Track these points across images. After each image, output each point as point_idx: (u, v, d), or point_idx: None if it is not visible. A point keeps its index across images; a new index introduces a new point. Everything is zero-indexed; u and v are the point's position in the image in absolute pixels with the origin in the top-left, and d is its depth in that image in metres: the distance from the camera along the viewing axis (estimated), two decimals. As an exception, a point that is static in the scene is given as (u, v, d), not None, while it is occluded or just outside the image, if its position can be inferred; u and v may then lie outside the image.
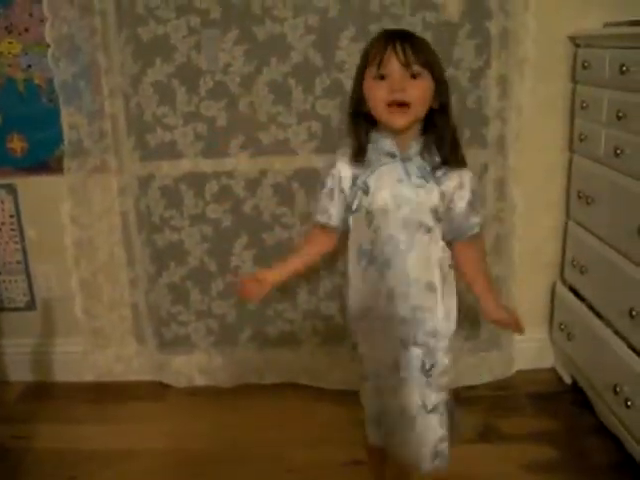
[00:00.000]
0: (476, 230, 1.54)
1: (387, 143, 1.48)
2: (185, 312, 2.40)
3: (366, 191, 1.49)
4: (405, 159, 1.48)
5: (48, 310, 2.45)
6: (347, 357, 2.14)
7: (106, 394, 2.43)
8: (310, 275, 2.31)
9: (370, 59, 1.45)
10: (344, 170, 1.53)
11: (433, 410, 1.53)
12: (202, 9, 2.13)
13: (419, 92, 1.43)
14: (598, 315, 2.01)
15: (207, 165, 2.28)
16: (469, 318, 2.22)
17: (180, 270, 2.37)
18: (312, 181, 2.15)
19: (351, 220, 1.54)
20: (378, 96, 1.44)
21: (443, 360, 1.53)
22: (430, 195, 1.47)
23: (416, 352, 1.51)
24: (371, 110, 1.46)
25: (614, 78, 1.86)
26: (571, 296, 2.20)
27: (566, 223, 2.28)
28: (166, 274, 2.37)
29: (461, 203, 1.50)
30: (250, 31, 2.14)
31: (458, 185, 1.49)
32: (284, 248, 2.27)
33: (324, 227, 1.59)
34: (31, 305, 2.46)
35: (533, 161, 2.23)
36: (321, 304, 2.37)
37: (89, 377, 2.49)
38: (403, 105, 1.41)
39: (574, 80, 2.17)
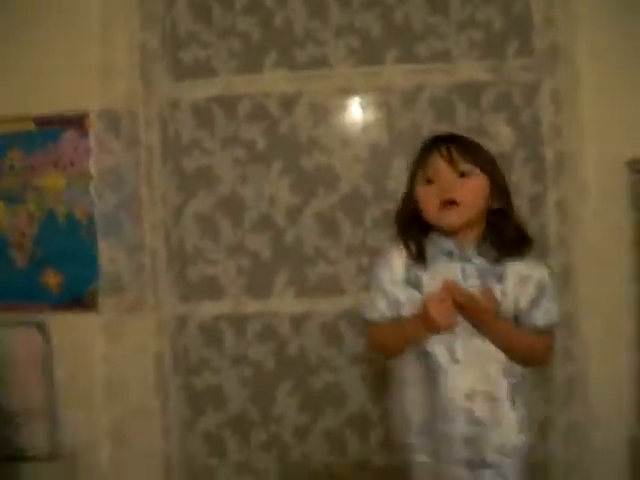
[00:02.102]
0: (543, 326, 1.47)
1: (446, 242, 1.47)
2: (222, 465, 2.24)
3: (418, 286, 1.46)
4: (464, 259, 1.46)
5: (73, 461, 2.30)
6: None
7: None
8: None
9: (417, 163, 1.49)
10: (397, 262, 1.51)
11: None
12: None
13: (469, 190, 1.43)
14: None
15: (250, 304, 2.22)
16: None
17: (218, 417, 2.24)
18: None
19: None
20: (428, 199, 1.45)
21: None
22: (491, 287, 1.44)
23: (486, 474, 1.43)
24: (423, 214, 1.47)
25: None
26: None
27: None
28: (202, 421, 2.25)
29: (525, 297, 1.45)
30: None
31: (520, 280, 1.45)
32: (331, 393, 2.17)
33: (377, 324, 1.54)
34: (54, 455, 2.32)
35: (603, 293, 2.09)
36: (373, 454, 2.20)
37: (111, 539, 2.31)
38: (453, 204, 1.42)
39: (637, 207, 2.06)
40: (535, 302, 1.44)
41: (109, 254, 2.19)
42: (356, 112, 2.17)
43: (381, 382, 2.14)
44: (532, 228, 2.02)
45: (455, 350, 1.42)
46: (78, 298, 2.25)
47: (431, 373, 1.43)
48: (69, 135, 2.21)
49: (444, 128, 2.03)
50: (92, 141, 2.18)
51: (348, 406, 2.19)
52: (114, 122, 2.14)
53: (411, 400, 1.48)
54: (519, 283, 1.43)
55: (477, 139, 1.51)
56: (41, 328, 2.27)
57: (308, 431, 2.20)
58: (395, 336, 1.51)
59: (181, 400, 2.24)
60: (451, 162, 1.42)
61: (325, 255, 2.16)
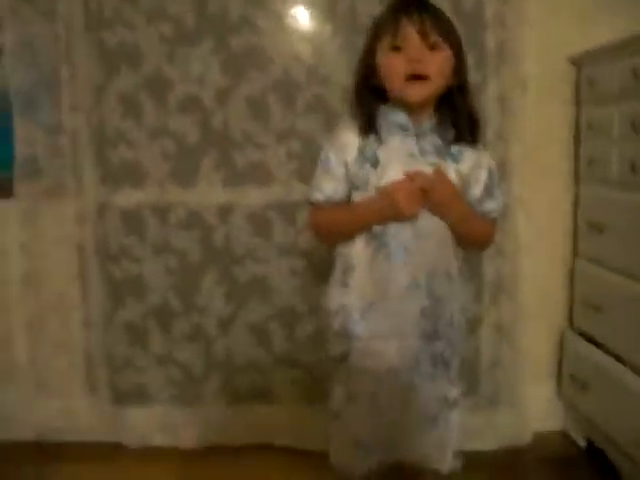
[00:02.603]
0: (492, 216, 1.48)
1: (400, 116, 1.41)
2: (144, 356, 2.20)
3: (374, 164, 1.40)
4: (419, 134, 1.41)
5: None
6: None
7: (48, 455, 2.17)
8: (286, 315, 2.14)
9: (384, 29, 1.40)
10: (348, 138, 1.44)
11: (453, 404, 1.48)
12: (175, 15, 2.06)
13: (438, 64, 1.38)
14: (618, 359, 1.87)
15: (174, 190, 2.14)
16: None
17: (139, 308, 2.19)
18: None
19: (356, 198, 1.45)
20: (394, 68, 1.38)
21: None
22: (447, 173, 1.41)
23: (439, 345, 1.45)
24: (385, 83, 1.41)
25: (626, 89, 1.81)
26: (583, 342, 2.03)
27: (573, 261, 2.17)
28: (123, 312, 2.19)
29: (476, 185, 1.44)
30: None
31: (474, 165, 1.43)
32: (259, 285, 2.13)
33: (322, 207, 1.48)
34: None
35: (537, 190, 2.11)
36: (300, 350, 2.18)
37: (29, 434, 2.22)
38: (421, 77, 1.36)
39: (577, 103, 2.13)
40: (487, 190, 1.44)
41: (25, 135, 2.10)
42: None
43: (311, 275, 2.13)
44: None
45: (414, 230, 1.38)
46: (-6, 183, 2.18)
47: (384, 254, 1.39)
48: None
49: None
50: (5, 10, 2.04)
51: (275, 299, 2.16)
52: None
53: (357, 284, 1.43)
54: (472, 168, 1.42)
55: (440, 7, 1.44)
56: None
57: (232, 323, 2.17)
58: (347, 220, 1.45)
59: (102, 290, 2.17)
60: (423, 32, 1.35)
61: (254, 140, 2.09)
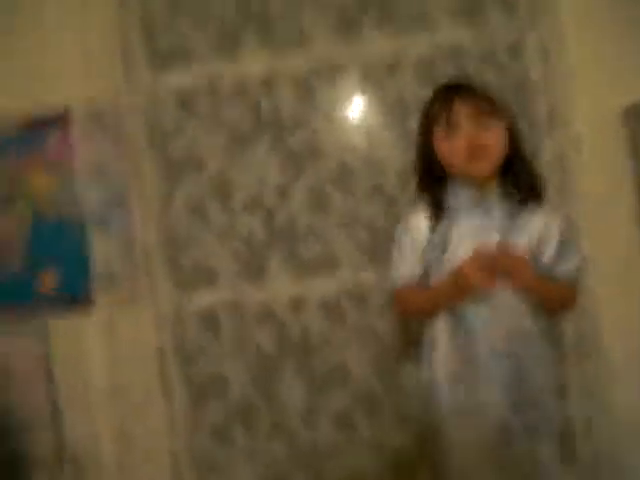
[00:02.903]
0: (568, 278, 1.50)
1: (465, 193, 1.48)
2: (229, 456, 2.21)
3: (445, 243, 1.47)
4: (485, 207, 1.47)
5: (77, 464, 2.28)
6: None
7: None
8: (368, 400, 2.14)
9: (436, 115, 1.48)
10: (419, 222, 1.51)
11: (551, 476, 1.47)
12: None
13: (494, 139, 1.44)
14: None
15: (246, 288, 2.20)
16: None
17: (221, 406, 2.21)
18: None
19: (433, 277, 1.51)
20: (453, 152, 1.45)
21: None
22: (517, 241, 1.45)
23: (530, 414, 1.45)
24: (447, 166, 1.48)
25: None
26: None
27: None
28: (206, 412, 2.22)
29: (548, 249, 1.47)
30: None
31: (544, 229, 1.47)
32: (338, 373, 2.15)
33: (402, 289, 1.55)
34: (60, 460, 2.28)
35: (607, 246, 2.05)
36: (385, 434, 2.14)
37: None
38: (482, 153, 1.43)
39: (636, 154, 2.07)
40: (560, 252, 1.47)
41: (101, 250, 2.19)
42: (337, 85, 2.15)
43: (390, 357, 2.12)
44: None
45: (489, 302, 1.42)
46: (74, 297, 2.24)
47: (464, 328, 1.44)
48: (53, 134, 2.22)
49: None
50: (76, 138, 2.19)
51: (355, 385, 2.15)
52: (97, 117, 2.17)
53: (441, 359, 1.48)
54: (542, 232, 1.46)
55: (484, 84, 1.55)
56: (39, 330, 2.26)
57: (315, 414, 2.16)
58: (425, 301, 1.52)
59: (183, 392, 2.21)
60: (474, 112, 1.43)
61: (318, 231, 2.13)
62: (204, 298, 2.20)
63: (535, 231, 1.46)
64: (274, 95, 2.16)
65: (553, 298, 1.51)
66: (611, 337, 2.06)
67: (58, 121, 2.20)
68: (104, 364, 2.21)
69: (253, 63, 2.17)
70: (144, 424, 2.22)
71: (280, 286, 2.17)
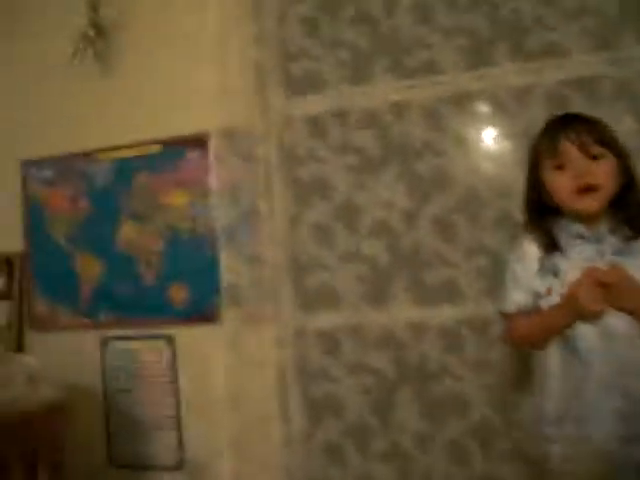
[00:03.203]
0: None
1: (576, 227, 1.46)
2: (342, 475, 2.25)
3: (556, 274, 1.45)
4: (597, 240, 1.45)
5: (196, 470, 2.41)
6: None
7: None
8: (483, 430, 2.11)
9: (544, 149, 1.48)
10: (530, 250, 1.51)
11: None
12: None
13: (604, 173, 1.42)
14: None
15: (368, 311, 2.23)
16: None
17: (337, 426, 2.25)
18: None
19: (543, 306, 1.49)
20: (561, 186, 1.44)
21: None
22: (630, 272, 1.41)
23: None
24: (556, 201, 1.47)
25: None
26: None
27: None
28: (321, 431, 2.27)
29: None
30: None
31: None
32: (454, 401, 2.13)
33: (513, 317, 1.56)
34: (180, 465, 2.43)
35: None
36: (499, 467, 2.11)
37: None
38: (590, 190, 1.41)
39: None
40: None
41: (230, 267, 2.29)
42: (468, 113, 2.17)
43: (506, 389, 2.09)
44: None
45: (603, 329, 1.40)
46: (202, 311, 2.36)
47: (575, 358, 1.42)
48: (191, 155, 2.37)
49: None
50: (212, 159, 2.32)
51: (471, 415, 2.14)
52: (232, 139, 2.28)
53: (553, 390, 1.47)
54: None
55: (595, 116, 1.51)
56: (168, 341, 2.41)
57: (430, 440, 2.17)
58: (538, 327, 1.51)
59: (301, 410, 2.27)
60: (582, 146, 1.42)
61: (443, 259, 2.15)
62: (326, 319, 2.26)
63: None
64: (403, 122, 2.20)
65: None
66: None
67: (196, 143, 2.35)
68: (226, 377, 2.29)
69: (384, 90, 2.22)
70: (261, 437, 2.29)
71: (401, 311, 2.19)
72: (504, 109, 2.15)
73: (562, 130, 1.46)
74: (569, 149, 1.43)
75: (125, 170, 2.47)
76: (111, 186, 2.49)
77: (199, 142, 2.35)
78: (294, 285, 2.28)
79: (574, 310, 1.42)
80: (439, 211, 2.16)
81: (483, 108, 2.17)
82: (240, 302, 2.29)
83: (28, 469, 1.65)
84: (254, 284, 2.28)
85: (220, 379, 2.31)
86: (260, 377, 2.29)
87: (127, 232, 2.46)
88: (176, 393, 2.41)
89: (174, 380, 2.41)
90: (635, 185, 1.48)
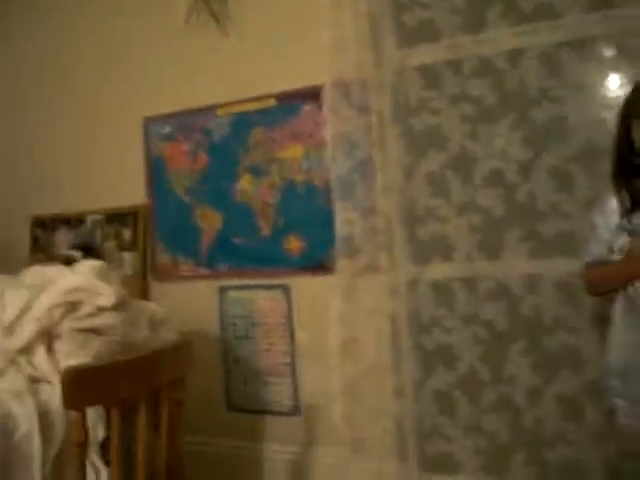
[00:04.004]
0: None
1: None
2: (451, 426, 2.28)
3: (632, 233, 1.45)
4: None
5: (311, 416, 2.52)
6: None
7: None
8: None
9: (635, 109, 1.46)
10: (612, 206, 1.52)
11: None
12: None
13: None
14: None
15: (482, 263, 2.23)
16: None
17: (448, 376, 2.28)
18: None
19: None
20: None
21: None
22: None
23: None
24: None
25: None
26: None
27: None
28: (432, 380, 2.30)
29: None
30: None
31: None
32: (569, 356, 2.11)
33: (591, 267, 1.58)
34: (295, 410, 2.55)
35: None
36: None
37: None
38: None
39: None
40: None
41: (345, 218, 2.34)
42: (589, 59, 2.09)
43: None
44: None
45: None
46: (317, 261, 2.45)
47: (637, 315, 1.43)
48: (306, 108, 2.44)
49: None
50: (326, 111, 2.36)
51: (585, 370, 2.11)
52: (346, 91, 2.32)
53: (617, 342, 1.49)
54: None
55: None
56: (284, 290, 2.52)
57: (541, 395, 2.17)
58: (605, 277, 1.56)
59: (413, 359, 2.32)
60: None
61: (559, 211, 2.12)
62: (439, 270, 2.28)
63: None
64: (519, 70, 2.16)
65: None
66: None
67: (310, 96, 2.41)
68: (340, 325, 2.34)
69: (498, 37, 2.19)
70: (373, 385, 2.34)
71: (516, 263, 2.18)
72: (628, 54, 2.06)
73: None
74: None
75: (242, 125, 2.56)
76: (229, 140, 2.59)
77: (313, 95, 2.41)
78: (408, 236, 2.31)
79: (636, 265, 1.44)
80: (556, 161, 2.12)
81: (606, 53, 2.09)
82: (354, 253, 2.33)
83: (152, 408, 1.76)
84: (368, 235, 2.32)
85: (335, 328, 2.37)
86: (373, 327, 2.35)
87: (244, 185, 2.56)
88: (292, 341, 2.52)
89: (290, 329, 2.51)
90: None
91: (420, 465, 2.34)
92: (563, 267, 2.12)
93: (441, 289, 2.28)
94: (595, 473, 2.11)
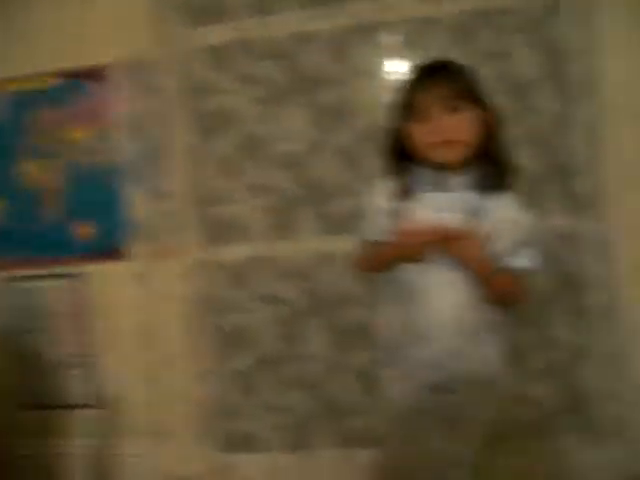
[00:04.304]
0: (519, 267, 1.43)
1: (431, 176, 1.46)
2: (252, 405, 2.29)
3: (404, 217, 1.45)
4: (448, 191, 1.44)
5: (111, 406, 2.39)
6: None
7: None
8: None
9: (406, 99, 1.45)
10: (384, 191, 1.51)
11: None
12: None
13: (463, 126, 1.41)
14: None
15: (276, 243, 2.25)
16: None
17: (247, 357, 2.28)
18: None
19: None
20: (420, 137, 1.43)
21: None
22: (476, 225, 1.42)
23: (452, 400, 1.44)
24: (416, 150, 1.46)
25: None
26: None
27: None
28: (231, 362, 2.29)
29: (504, 240, 1.41)
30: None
31: (505, 220, 1.42)
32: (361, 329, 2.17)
33: (363, 248, 1.58)
34: (95, 402, 2.41)
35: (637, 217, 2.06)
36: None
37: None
38: (449, 140, 1.41)
39: None
40: (514, 245, 1.42)
41: (137, 201, 2.27)
42: (372, 44, 2.15)
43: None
44: (558, 150, 2.02)
45: (429, 277, 1.41)
46: (110, 247, 2.33)
47: (405, 297, 1.44)
48: (93, 87, 2.31)
49: (462, 54, 2.03)
50: (113, 91, 2.25)
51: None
52: (134, 71, 2.23)
53: (384, 317, 1.51)
54: (503, 222, 1.41)
55: (461, 64, 1.49)
56: (77, 279, 2.37)
57: (339, 369, 2.20)
58: (375, 259, 1.53)
59: (212, 342, 2.29)
60: (443, 98, 1.39)
61: (348, 190, 2.15)
62: (235, 252, 2.26)
63: (496, 220, 1.41)
64: (308, 53, 2.18)
65: (498, 290, 1.43)
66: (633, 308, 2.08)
67: (98, 75, 2.28)
68: (136, 312, 2.29)
69: (288, 20, 2.19)
70: (173, 370, 2.29)
71: (309, 242, 2.21)
72: (409, 41, 2.15)
73: (425, 81, 1.43)
74: (430, 101, 1.40)
75: (24, 105, 2.37)
76: (9, 121, 2.38)
77: (101, 74, 2.28)
78: (201, 218, 2.28)
79: (399, 249, 1.43)
80: (343, 142, 2.17)
81: (387, 39, 2.17)
82: (148, 237, 2.28)
83: None
84: (161, 218, 2.27)
85: (130, 313, 2.31)
86: (170, 311, 2.30)
87: (29, 169, 2.38)
88: (87, 331, 2.39)
89: (84, 318, 2.38)
90: (497, 139, 1.47)
91: (224, 446, 2.32)
92: (352, 244, 2.22)
93: (237, 270, 2.27)
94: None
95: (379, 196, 1.52)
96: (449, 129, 1.39)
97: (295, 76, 2.20)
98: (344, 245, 2.14)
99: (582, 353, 2.12)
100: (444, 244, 1.39)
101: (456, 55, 2.07)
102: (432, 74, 1.44)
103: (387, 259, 1.49)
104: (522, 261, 1.43)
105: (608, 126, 2.05)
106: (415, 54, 2.13)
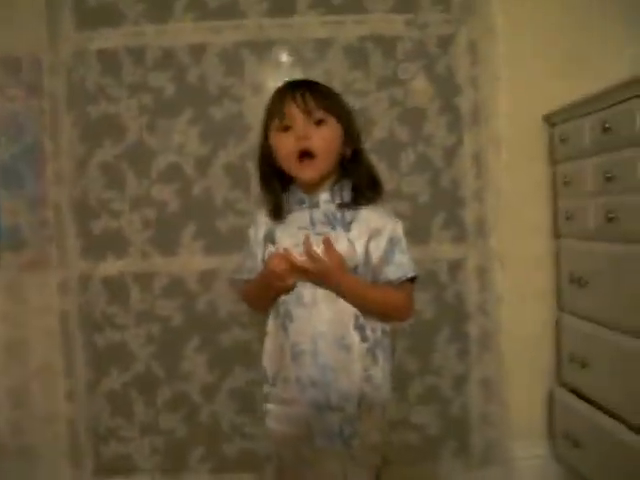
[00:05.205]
0: (392, 278, 1.41)
1: (298, 193, 1.47)
2: (127, 426, 2.15)
3: (272, 241, 1.44)
4: (312, 206, 1.45)
5: None
6: None
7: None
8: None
9: (272, 111, 1.46)
10: (262, 219, 1.50)
11: None
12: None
13: (324, 138, 1.42)
14: (610, 415, 1.77)
15: (157, 259, 2.13)
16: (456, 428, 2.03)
17: (123, 376, 2.14)
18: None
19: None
20: (285, 147, 1.42)
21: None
22: (341, 241, 1.39)
23: (332, 417, 1.38)
24: (281, 164, 1.45)
25: (597, 142, 1.82)
26: (573, 398, 1.98)
27: (558, 316, 2.11)
28: (106, 381, 2.15)
29: (375, 252, 1.41)
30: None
31: (373, 231, 1.42)
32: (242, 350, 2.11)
33: (245, 283, 1.55)
34: None
35: (517, 247, 2.09)
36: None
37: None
38: (309, 155, 1.41)
39: (552, 159, 2.13)
40: (387, 256, 1.42)
41: (9, 207, 2.13)
42: (267, 61, 2.10)
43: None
44: (447, 179, 2.01)
45: (303, 296, 1.39)
46: (-24, 255, 2.16)
47: (283, 321, 1.41)
48: None
49: (358, 77, 2.06)
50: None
51: (256, 365, 2.04)
52: (15, 69, 2.11)
53: (268, 350, 1.46)
54: (370, 235, 1.41)
55: (330, 86, 1.51)
56: None
57: (216, 390, 2.13)
58: (254, 293, 1.51)
59: (85, 359, 2.14)
60: (306, 110, 1.40)
61: (235, 207, 2.09)
62: (113, 266, 2.13)
63: (359, 233, 1.41)
64: (201, 65, 2.10)
65: (378, 304, 1.41)
66: (512, 335, 2.08)
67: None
68: (5, 325, 2.12)
69: (183, 30, 2.09)
70: (43, 388, 2.15)
71: (191, 259, 2.11)
72: (302, 60, 2.11)
73: (290, 93, 1.43)
74: (294, 112, 1.40)
75: None
76: None
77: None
78: (79, 229, 2.13)
79: (267, 280, 1.41)
80: (232, 158, 2.09)
81: (283, 57, 2.13)
82: (21, 246, 2.12)
83: None
84: (36, 227, 2.13)
85: (-2, 328, 2.25)
86: (42, 326, 2.16)
87: None
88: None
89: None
90: (360, 154, 1.48)
91: (96, 469, 2.17)
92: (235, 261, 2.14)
93: (114, 285, 2.15)
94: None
95: (257, 226, 1.49)
96: (310, 140, 1.39)
97: (187, 88, 2.10)
98: (226, 264, 2.10)
99: (461, 379, 2.13)
100: (304, 275, 1.39)
101: (351, 78, 2.12)
102: (299, 87, 1.45)
103: (258, 295, 1.48)
104: (397, 270, 1.42)
105: (490, 157, 2.09)
106: (311, 74, 2.07)
